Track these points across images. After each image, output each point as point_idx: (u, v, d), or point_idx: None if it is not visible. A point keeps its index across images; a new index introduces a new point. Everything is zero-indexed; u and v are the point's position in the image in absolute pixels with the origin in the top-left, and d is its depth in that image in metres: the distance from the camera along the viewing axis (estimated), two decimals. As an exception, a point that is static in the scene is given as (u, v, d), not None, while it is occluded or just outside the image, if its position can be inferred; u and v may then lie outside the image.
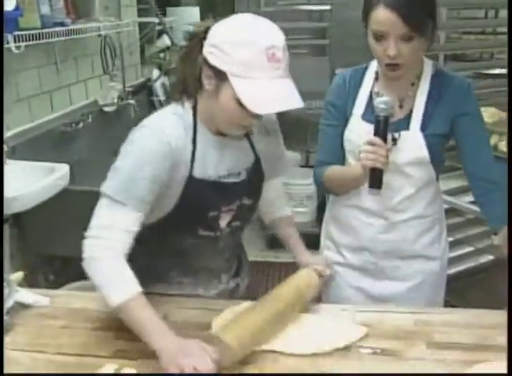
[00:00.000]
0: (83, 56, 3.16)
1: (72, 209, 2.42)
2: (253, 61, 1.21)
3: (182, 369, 1.13)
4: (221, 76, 1.25)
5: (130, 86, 3.66)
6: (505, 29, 2.78)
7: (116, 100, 3.34)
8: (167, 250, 1.48)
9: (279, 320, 1.34)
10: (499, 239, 1.56)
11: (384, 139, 1.46)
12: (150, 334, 1.20)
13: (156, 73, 4.01)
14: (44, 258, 2.66)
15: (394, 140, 1.53)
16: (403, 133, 1.54)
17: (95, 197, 2.60)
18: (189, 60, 1.33)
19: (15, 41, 2.16)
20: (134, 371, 1.21)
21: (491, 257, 2.68)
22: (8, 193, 2.09)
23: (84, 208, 2.56)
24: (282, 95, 1.25)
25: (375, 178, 1.47)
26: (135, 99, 3.58)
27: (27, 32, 2.22)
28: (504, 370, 1.17)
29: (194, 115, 1.37)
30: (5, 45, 2.13)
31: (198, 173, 1.37)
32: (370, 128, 1.51)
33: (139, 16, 3.84)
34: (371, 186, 1.49)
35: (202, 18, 4.34)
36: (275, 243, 1.55)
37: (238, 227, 1.51)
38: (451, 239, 1.93)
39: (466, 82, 1.57)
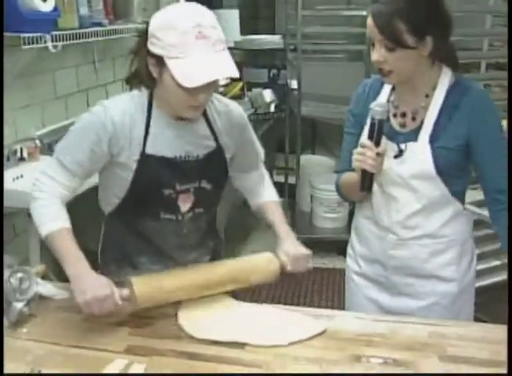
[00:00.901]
0: (120, 56, 3.23)
1: (92, 204, 2.48)
2: (181, 42, 1.31)
3: (88, 305, 1.31)
4: (161, 62, 1.36)
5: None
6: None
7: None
8: (134, 235, 1.57)
9: (196, 291, 1.46)
10: None
11: (377, 143, 1.48)
12: (65, 260, 1.37)
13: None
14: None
15: (401, 151, 1.52)
16: (410, 144, 1.52)
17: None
18: (140, 54, 1.43)
19: (52, 41, 2.22)
20: (143, 367, 1.24)
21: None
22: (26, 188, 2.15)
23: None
24: (212, 67, 1.33)
25: (364, 180, 1.52)
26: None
27: (63, 32, 2.28)
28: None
29: (150, 100, 1.46)
30: (42, 45, 2.19)
31: (151, 150, 1.46)
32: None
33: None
34: (361, 188, 1.54)
35: (242, 21, 4.38)
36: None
37: (201, 214, 1.57)
38: (478, 251, 1.86)
39: (480, 96, 1.52)
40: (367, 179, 1.52)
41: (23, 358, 1.28)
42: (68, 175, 1.46)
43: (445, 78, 1.52)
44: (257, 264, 1.53)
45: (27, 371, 1.22)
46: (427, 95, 1.52)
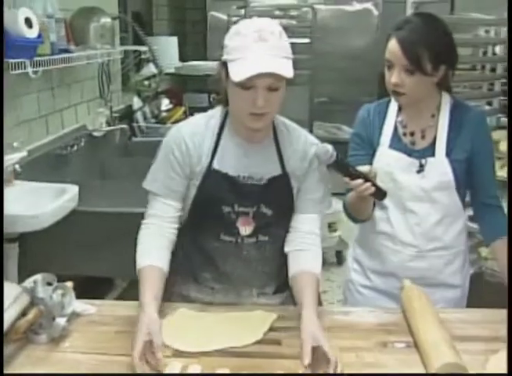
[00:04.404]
0: (75, 82, 3.26)
1: (77, 230, 2.50)
2: (241, 44, 1.38)
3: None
4: (226, 68, 1.42)
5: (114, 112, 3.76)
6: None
7: (104, 125, 3.43)
8: (197, 251, 1.62)
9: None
10: (490, 252, 1.78)
11: (351, 174, 1.50)
12: (141, 298, 1.42)
13: (136, 100, 4.12)
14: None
15: (422, 166, 1.67)
16: (429, 159, 1.68)
17: (102, 218, 2.68)
18: (220, 75, 1.49)
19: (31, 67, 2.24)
20: (199, 367, 1.32)
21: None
22: (21, 211, 2.16)
23: (89, 229, 2.64)
24: (263, 64, 1.35)
25: (376, 195, 1.57)
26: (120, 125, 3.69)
27: (42, 58, 2.31)
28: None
29: (224, 118, 1.54)
30: (22, 71, 2.21)
31: (217, 166, 1.52)
32: (399, 155, 1.69)
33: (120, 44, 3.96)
34: (380, 199, 1.61)
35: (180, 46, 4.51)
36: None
37: (266, 242, 1.59)
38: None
39: (480, 113, 1.77)
40: (377, 192, 1.55)
41: (78, 369, 1.32)
42: (163, 204, 1.53)
43: (446, 100, 1.71)
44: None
45: (89, 381, 1.27)
46: (432, 116, 1.70)
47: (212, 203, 1.54)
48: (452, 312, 1.62)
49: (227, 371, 1.30)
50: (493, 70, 3.73)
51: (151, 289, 1.42)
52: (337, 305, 3.23)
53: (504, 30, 3.56)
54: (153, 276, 1.45)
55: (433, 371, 1.30)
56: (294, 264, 1.55)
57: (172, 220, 1.54)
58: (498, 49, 4.04)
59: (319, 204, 1.61)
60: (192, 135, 1.51)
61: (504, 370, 1.32)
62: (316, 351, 1.29)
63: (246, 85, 1.38)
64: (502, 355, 1.39)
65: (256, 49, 1.36)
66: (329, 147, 1.48)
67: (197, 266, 1.63)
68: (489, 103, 3.65)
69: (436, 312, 1.50)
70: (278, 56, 1.38)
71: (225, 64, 1.42)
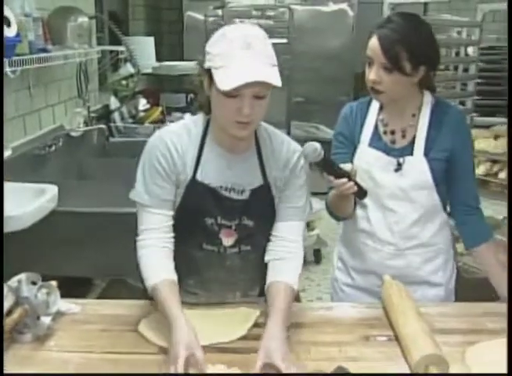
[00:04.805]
0: (52, 82, 3.23)
1: (56, 230, 2.49)
2: (226, 51, 1.34)
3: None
4: (210, 75, 1.37)
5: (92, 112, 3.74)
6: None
7: (81, 125, 3.41)
8: (181, 259, 1.57)
9: None
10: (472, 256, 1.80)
11: (336, 173, 1.51)
12: (167, 318, 1.37)
13: (113, 100, 4.10)
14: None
15: (400, 165, 1.69)
16: (408, 158, 1.69)
17: (81, 218, 2.67)
18: (200, 82, 1.47)
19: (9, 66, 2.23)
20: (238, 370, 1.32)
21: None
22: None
23: (68, 229, 2.62)
24: (252, 72, 1.31)
25: (358, 194, 1.58)
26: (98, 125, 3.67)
27: (21, 57, 2.29)
28: (497, 349, 1.40)
29: (206, 127, 1.52)
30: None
31: (200, 177, 1.50)
32: (377, 154, 1.70)
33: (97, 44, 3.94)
34: (361, 197, 1.63)
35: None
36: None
37: (249, 252, 1.59)
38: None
39: (460, 112, 1.78)
40: (358, 191, 1.56)
41: (65, 368, 1.33)
42: (156, 215, 1.50)
43: (428, 99, 1.72)
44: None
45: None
46: (413, 115, 1.71)
47: (195, 214, 1.53)
48: (431, 306, 1.66)
49: (222, 367, 1.32)
50: (466, 70, 3.82)
51: (175, 302, 1.40)
52: (316, 302, 3.27)
53: (476, 31, 3.65)
54: (172, 290, 1.43)
55: (413, 363, 1.33)
56: (271, 274, 1.54)
57: (168, 229, 1.52)
58: (470, 50, 4.14)
59: (301, 212, 1.59)
60: (176, 144, 1.49)
61: (483, 361, 1.38)
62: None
63: (232, 94, 1.34)
64: (479, 346, 1.45)
65: (242, 57, 1.33)
66: (318, 145, 1.48)
67: (181, 272, 1.57)
68: (462, 103, 3.74)
69: (415, 306, 1.53)
70: (266, 63, 1.35)
71: (208, 71, 1.39)
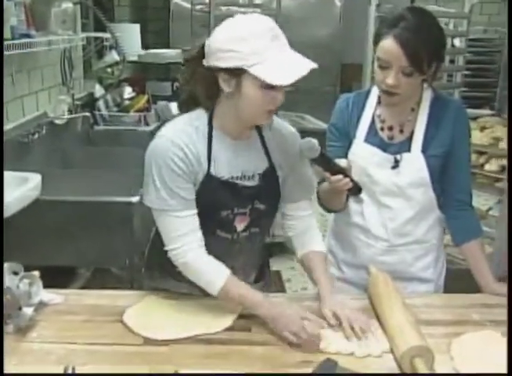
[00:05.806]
0: (35, 69, 3.18)
1: (40, 219, 2.45)
2: (261, 47, 1.34)
3: (295, 333, 1.39)
4: (237, 73, 1.37)
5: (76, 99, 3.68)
6: None
7: (66, 113, 3.36)
8: None
9: None
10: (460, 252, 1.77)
11: (333, 170, 1.51)
12: (251, 308, 1.47)
13: (98, 88, 4.04)
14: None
15: (397, 162, 1.65)
16: (405, 155, 1.65)
17: (65, 207, 2.63)
18: (196, 79, 1.47)
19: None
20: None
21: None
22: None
23: (52, 218, 2.59)
24: (294, 64, 1.38)
25: (352, 190, 1.58)
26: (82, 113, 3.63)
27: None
28: (482, 341, 1.41)
29: (210, 122, 1.50)
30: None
31: (213, 171, 1.49)
32: (373, 150, 1.67)
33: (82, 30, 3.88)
34: (355, 195, 1.64)
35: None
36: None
37: (257, 233, 1.61)
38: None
39: (460, 106, 1.72)
40: (353, 188, 1.55)
41: (47, 359, 1.31)
42: (184, 218, 1.46)
43: (427, 93, 1.67)
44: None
45: (59, 371, 1.25)
46: (412, 109, 1.67)
47: (211, 208, 1.52)
48: (417, 297, 1.66)
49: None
50: (452, 61, 3.82)
51: (250, 290, 1.48)
52: (301, 292, 3.26)
53: (464, 23, 3.65)
54: (239, 283, 1.49)
55: (399, 354, 1.33)
56: (302, 246, 1.65)
57: (197, 228, 1.49)
58: (457, 42, 4.14)
59: (310, 190, 1.68)
60: (188, 143, 1.46)
61: (468, 352, 1.38)
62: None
63: (270, 85, 1.36)
64: (465, 337, 1.45)
65: (275, 49, 1.35)
66: (315, 142, 1.46)
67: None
68: (449, 95, 3.74)
69: (401, 297, 1.53)
70: (289, 50, 1.39)
71: (227, 70, 1.37)
